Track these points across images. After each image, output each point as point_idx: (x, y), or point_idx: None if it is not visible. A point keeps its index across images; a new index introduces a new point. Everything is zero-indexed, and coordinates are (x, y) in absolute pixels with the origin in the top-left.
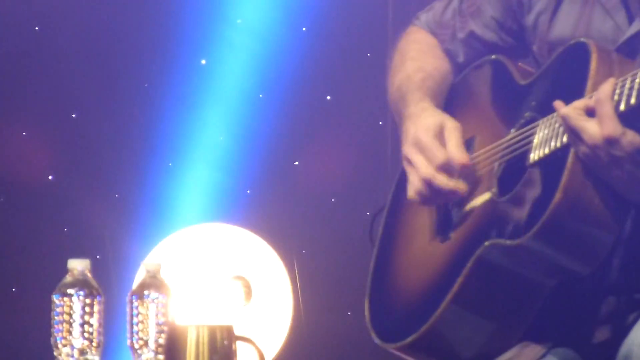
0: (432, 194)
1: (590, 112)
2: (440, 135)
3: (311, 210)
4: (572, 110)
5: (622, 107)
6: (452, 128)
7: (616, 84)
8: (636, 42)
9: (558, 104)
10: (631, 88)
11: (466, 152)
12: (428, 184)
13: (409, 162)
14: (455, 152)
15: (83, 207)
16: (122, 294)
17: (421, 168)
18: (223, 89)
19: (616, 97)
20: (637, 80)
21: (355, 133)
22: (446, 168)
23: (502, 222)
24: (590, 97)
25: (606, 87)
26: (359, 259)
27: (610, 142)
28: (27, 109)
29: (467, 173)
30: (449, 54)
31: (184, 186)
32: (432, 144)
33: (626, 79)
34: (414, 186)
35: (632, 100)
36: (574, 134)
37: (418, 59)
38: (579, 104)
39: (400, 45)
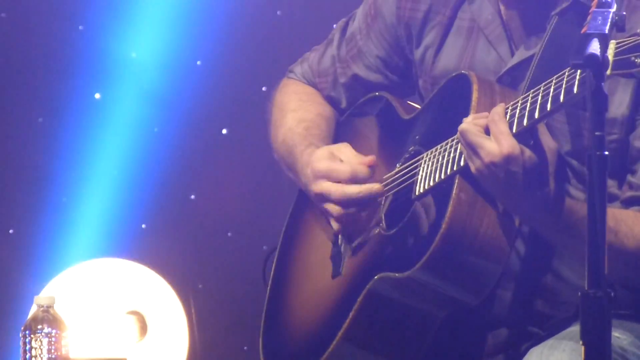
0: (353, 209)
1: (487, 131)
2: (332, 157)
3: (207, 245)
4: (471, 126)
5: (514, 129)
6: (340, 146)
7: (507, 107)
8: (517, 72)
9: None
10: (523, 109)
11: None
12: (344, 202)
13: (320, 196)
14: (354, 160)
15: None
16: (17, 329)
17: (332, 193)
18: (117, 122)
19: (508, 119)
20: (529, 102)
21: (250, 167)
22: (354, 179)
23: (392, 255)
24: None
25: (499, 109)
26: (256, 294)
27: (509, 159)
28: None
29: (375, 168)
30: (331, 101)
31: (78, 221)
32: (331, 167)
33: (517, 102)
34: (333, 215)
35: (525, 122)
36: (472, 149)
37: (299, 109)
38: (478, 121)
39: (278, 98)
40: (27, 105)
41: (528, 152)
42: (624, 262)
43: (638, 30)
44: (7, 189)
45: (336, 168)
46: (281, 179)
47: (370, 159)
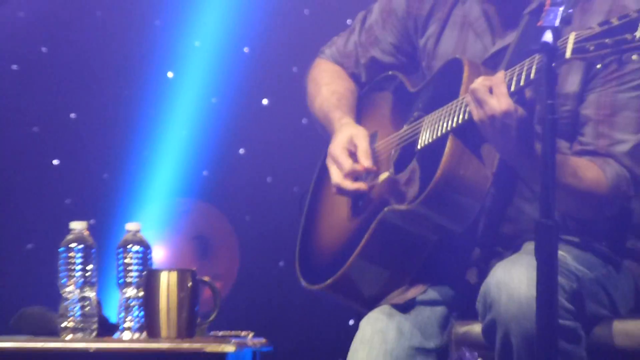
0: (343, 192)
1: (491, 90)
2: (351, 143)
3: (252, 187)
4: (480, 86)
5: (512, 88)
6: (360, 137)
7: (505, 74)
8: (497, 58)
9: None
10: (519, 74)
11: (370, 158)
12: (338, 187)
13: (335, 154)
14: (362, 159)
15: (84, 183)
16: (112, 247)
17: (333, 176)
18: (185, 95)
19: (507, 80)
20: (526, 68)
21: (285, 130)
22: (352, 173)
23: (398, 193)
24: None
25: (500, 74)
26: (291, 223)
27: (506, 114)
28: None
29: (370, 172)
30: (354, 77)
31: (157, 169)
32: (341, 157)
33: (514, 70)
34: (332, 187)
35: (521, 83)
36: (479, 103)
37: (331, 83)
38: (485, 82)
39: (312, 74)
40: (115, 80)
41: (520, 110)
42: (580, 198)
43: (592, 25)
44: (103, 141)
45: (342, 161)
46: (311, 142)
47: (369, 166)
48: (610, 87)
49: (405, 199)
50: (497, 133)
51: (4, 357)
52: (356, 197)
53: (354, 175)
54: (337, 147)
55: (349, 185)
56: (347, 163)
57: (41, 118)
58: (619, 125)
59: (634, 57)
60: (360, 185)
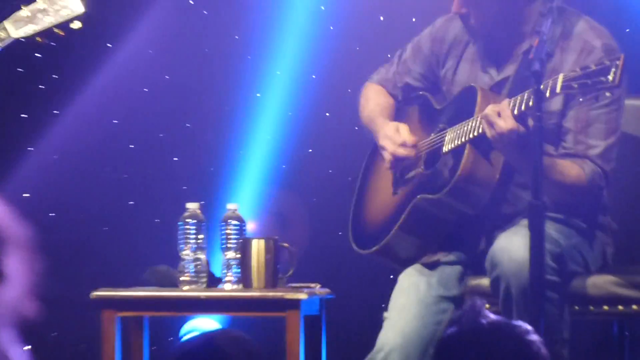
0: (397, 160)
1: (499, 114)
2: (396, 130)
3: (318, 177)
4: (490, 111)
5: (515, 112)
6: (403, 126)
7: (509, 101)
8: (500, 85)
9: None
10: (521, 102)
11: (413, 136)
12: (394, 155)
13: (382, 147)
14: (407, 136)
15: (196, 174)
16: (217, 222)
17: (389, 147)
18: (269, 111)
19: (510, 106)
20: (525, 98)
21: (342, 132)
22: (402, 144)
23: (427, 185)
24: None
25: (505, 102)
26: (345, 204)
27: (511, 131)
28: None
29: (414, 145)
30: (393, 96)
31: (249, 164)
32: (393, 134)
33: (517, 99)
34: (387, 158)
35: (522, 108)
36: (490, 124)
37: (376, 99)
38: (495, 107)
39: (363, 93)
40: (218, 99)
41: (521, 128)
42: (567, 190)
43: (577, 69)
44: (210, 143)
45: (395, 137)
46: (360, 144)
47: (414, 140)
48: (585, 106)
49: (434, 189)
50: (504, 145)
51: (139, 302)
52: (396, 184)
53: (404, 147)
54: (388, 131)
55: (402, 151)
56: (399, 137)
57: (166, 127)
58: (592, 134)
59: (607, 94)
60: (410, 152)
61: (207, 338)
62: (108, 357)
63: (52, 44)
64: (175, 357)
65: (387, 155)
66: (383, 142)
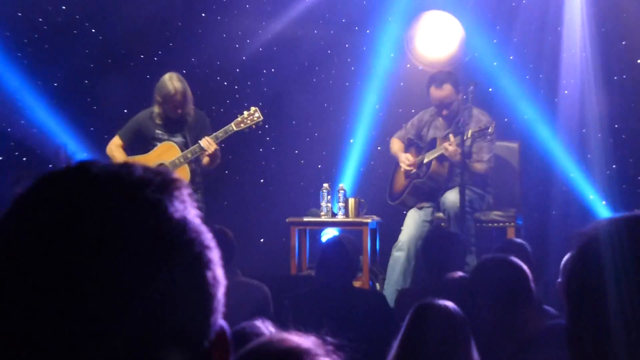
0: (407, 170)
1: (450, 144)
2: (406, 157)
3: (380, 165)
4: (447, 144)
5: (456, 144)
6: (407, 154)
7: (455, 139)
8: (447, 135)
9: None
10: (458, 140)
11: (413, 162)
12: (404, 168)
13: (400, 164)
14: (410, 159)
15: (326, 158)
16: (335, 189)
17: (403, 165)
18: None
19: (455, 141)
20: (458, 138)
21: (384, 153)
22: (408, 164)
23: (418, 176)
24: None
25: (453, 139)
26: (383, 187)
27: (455, 151)
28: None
29: (413, 163)
30: (403, 142)
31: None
32: (404, 159)
33: (457, 138)
34: (402, 169)
35: (458, 142)
36: (446, 149)
37: (397, 143)
38: (448, 142)
39: (392, 141)
40: (336, 104)
41: (459, 149)
42: (473, 174)
43: (480, 126)
44: (328, 138)
45: (405, 160)
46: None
47: (412, 161)
48: (480, 141)
49: (420, 177)
50: (452, 157)
51: (305, 223)
52: (406, 176)
53: (408, 167)
54: (402, 157)
55: (407, 167)
56: (407, 160)
57: (317, 127)
58: (483, 152)
59: (489, 137)
60: (411, 167)
61: (337, 237)
62: (292, 249)
63: None
64: (324, 246)
65: (402, 167)
66: (400, 162)
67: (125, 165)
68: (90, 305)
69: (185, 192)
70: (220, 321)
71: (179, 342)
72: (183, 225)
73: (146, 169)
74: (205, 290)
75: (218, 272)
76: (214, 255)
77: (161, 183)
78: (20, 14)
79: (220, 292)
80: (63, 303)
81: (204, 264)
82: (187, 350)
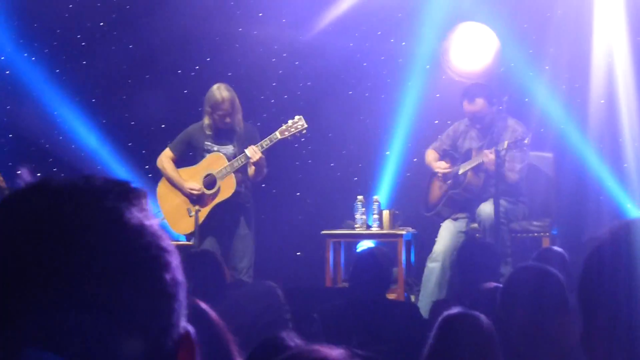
0: (443, 175)
1: (488, 155)
2: (441, 165)
3: (415, 177)
4: (484, 154)
5: (493, 154)
6: (442, 162)
7: (491, 150)
8: (482, 147)
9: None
10: (494, 150)
11: (448, 168)
12: (442, 171)
13: (436, 171)
14: (444, 166)
15: (361, 169)
16: (370, 201)
17: (439, 170)
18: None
19: (492, 151)
20: (494, 149)
21: (415, 157)
22: (444, 167)
23: (453, 187)
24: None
25: (487, 151)
26: (421, 193)
27: (492, 161)
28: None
29: (448, 172)
30: (438, 153)
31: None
32: (440, 165)
33: (493, 149)
34: (440, 175)
35: (494, 152)
36: (484, 159)
37: (432, 154)
38: (487, 152)
39: (427, 152)
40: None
41: (496, 159)
42: (506, 184)
43: (516, 136)
44: (363, 148)
45: (442, 165)
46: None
47: (447, 169)
48: (514, 150)
49: (456, 188)
50: (489, 166)
51: (340, 235)
52: (440, 187)
53: (444, 169)
54: (437, 165)
55: (444, 170)
56: (442, 167)
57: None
58: (517, 161)
59: (525, 148)
60: (448, 171)
61: (370, 249)
62: (327, 262)
63: None
64: (357, 258)
65: (439, 171)
66: (435, 169)
67: (84, 177)
68: (54, 298)
69: (145, 201)
70: (187, 325)
71: (137, 335)
72: (139, 230)
73: (107, 180)
74: (162, 290)
75: (177, 273)
76: (173, 258)
77: (120, 192)
78: (58, 31)
79: (181, 294)
80: (31, 295)
81: (162, 265)
82: (146, 343)
